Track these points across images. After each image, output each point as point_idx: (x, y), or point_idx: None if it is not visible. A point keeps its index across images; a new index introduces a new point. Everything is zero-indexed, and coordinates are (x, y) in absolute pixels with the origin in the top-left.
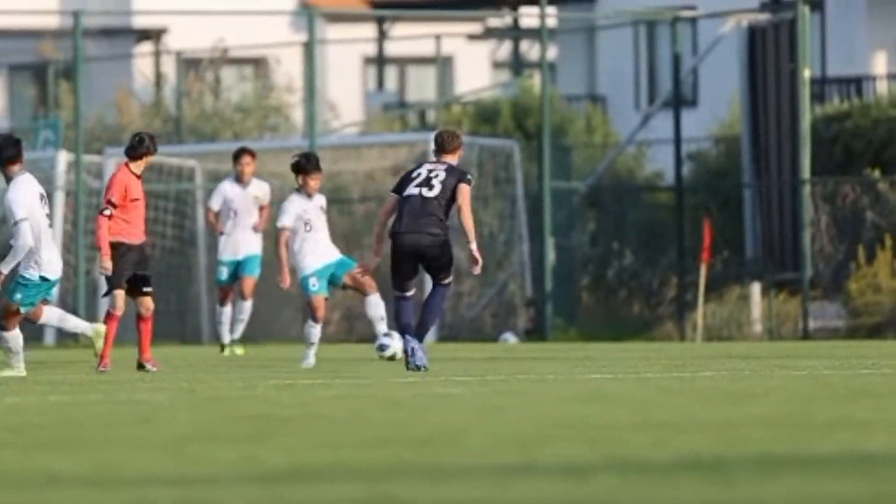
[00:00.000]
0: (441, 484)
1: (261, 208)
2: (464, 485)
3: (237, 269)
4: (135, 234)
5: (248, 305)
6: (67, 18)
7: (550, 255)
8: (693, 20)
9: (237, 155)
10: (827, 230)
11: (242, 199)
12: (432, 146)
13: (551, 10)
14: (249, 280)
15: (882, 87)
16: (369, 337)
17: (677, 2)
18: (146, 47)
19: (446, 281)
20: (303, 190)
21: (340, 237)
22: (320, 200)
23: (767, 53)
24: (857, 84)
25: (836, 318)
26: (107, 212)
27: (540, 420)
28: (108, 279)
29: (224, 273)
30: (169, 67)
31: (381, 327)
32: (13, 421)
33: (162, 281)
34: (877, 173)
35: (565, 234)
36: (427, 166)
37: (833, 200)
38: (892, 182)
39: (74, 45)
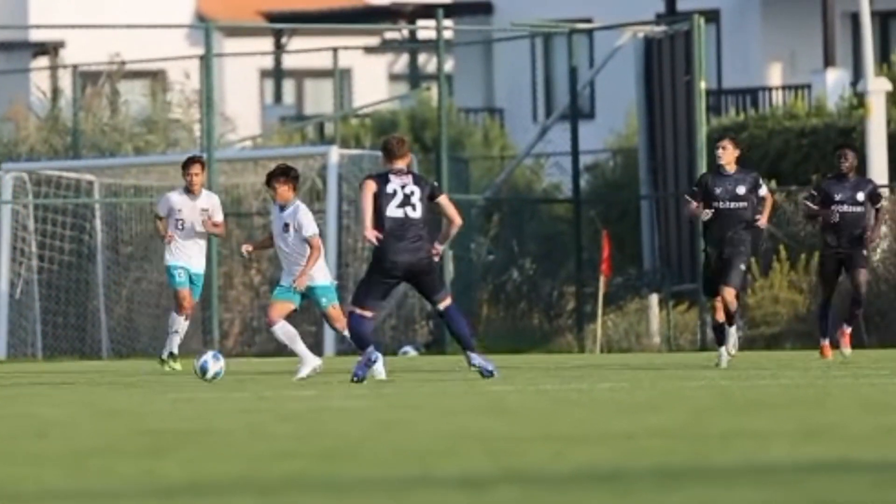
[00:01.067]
0: (341, 497)
1: (214, 224)
2: (363, 497)
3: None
4: None
5: (185, 322)
6: None
7: (449, 268)
8: (590, 32)
9: (186, 164)
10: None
11: (190, 210)
12: (380, 154)
13: (448, 22)
14: (190, 295)
15: (777, 98)
16: (269, 351)
17: (574, 14)
18: (43, 61)
19: (446, 302)
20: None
21: (237, 250)
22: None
23: (663, 65)
24: (752, 95)
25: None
26: None
27: (439, 433)
28: None
29: (182, 275)
30: (66, 81)
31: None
32: None
33: (61, 295)
34: (773, 184)
35: (464, 246)
36: (396, 182)
37: None
38: (788, 193)
39: None
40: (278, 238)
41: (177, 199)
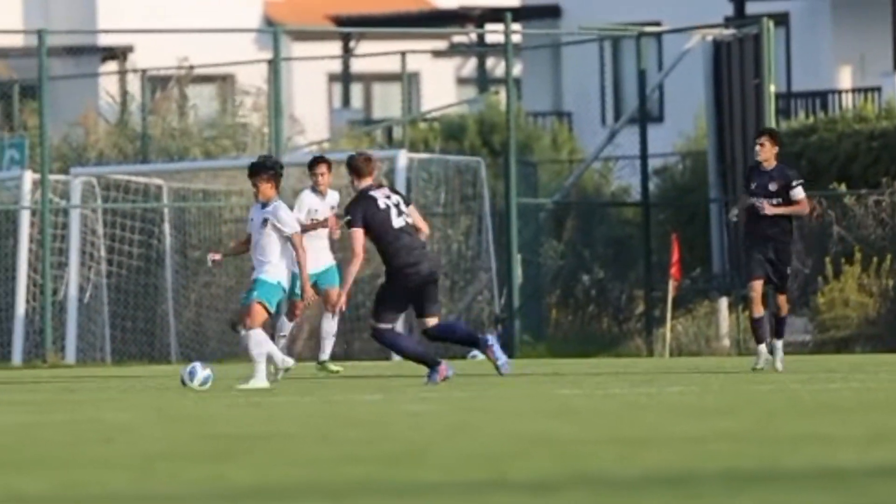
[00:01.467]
0: (409, 501)
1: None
2: (434, 501)
3: (315, 281)
4: None
5: (335, 319)
6: (32, 37)
7: (518, 272)
8: (658, 35)
9: (311, 164)
10: (793, 245)
11: (324, 209)
12: (346, 171)
13: (516, 26)
14: (334, 291)
15: (847, 101)
16: (337, 356)
17: (642, 17)
18: (111, 66)
19: (438, 318)
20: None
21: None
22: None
23: (732, 68)
24: (822, 98)
25: (804, 332)
26: None
27: (508, 436)
28: None
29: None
30: (134, 86)
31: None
32: None
33: (129, 300)
34: (843, 187)
35: (533, 250)
36: (380, 196)
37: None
38: (859, 196)
39: (39, 63)
40: (256, 233)
41: (312, 199)
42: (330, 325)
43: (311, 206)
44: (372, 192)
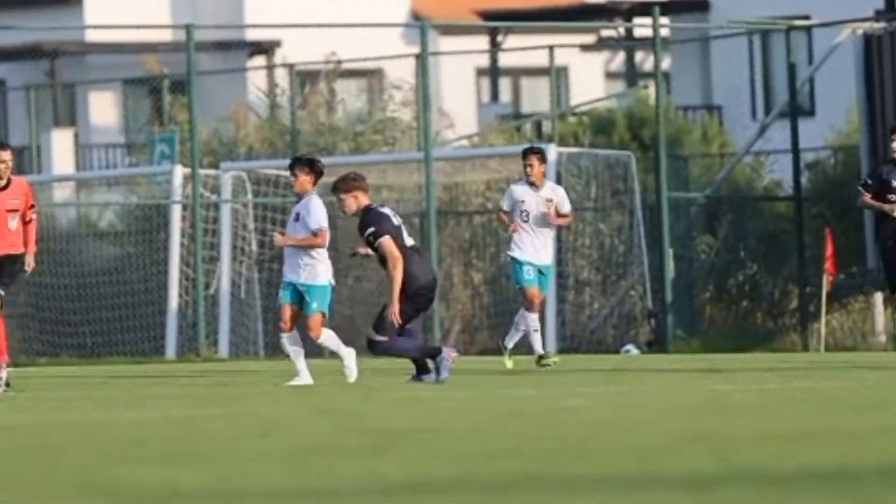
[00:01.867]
0: (565, 496)
1: (562, 215)
2: (589, 496)
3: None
4: None
5: (535, 316)
6: (180, 32)
7: (670, 267)
8: (808, 29)
9: (524, 155)
10: None
11: (535, 201)
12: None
13: (664, 19)
14: (539, 292)
15: None
16: (490, 349)
17: (791, 11)
18: (259, 61)
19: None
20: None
21: (458, 249)
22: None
23: (884, 62)
24: None
25: None
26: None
27: (663, 431)
28: None
29: (530, 272)
30: (283, 81)
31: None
32: (135, 435)
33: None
34: None
35: (684, 245)
36: (390, 211)
37: None
38: None
39: (188, 58)
40: (289, 227)
41: (520, 190)
42: (530, 320)
43: (518, 197)
44: (381, 209)
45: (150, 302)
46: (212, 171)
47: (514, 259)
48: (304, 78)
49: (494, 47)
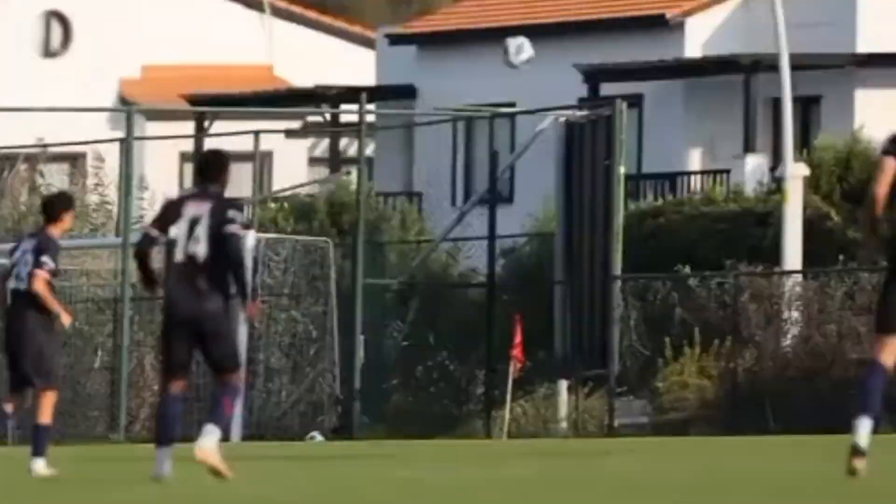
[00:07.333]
0: None
1: None
2: None
3: None
4: None
5: None
6: None
7: (360, 353)
8: (512, 116)
9: None
10: (636, 326)
11: None
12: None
13: (370, 106)
14: None
15: (696, 183)
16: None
17: (498, 99)
18: None
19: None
20: None
21: (152, 336)
22: None
23: (584, 149)
24: (671, 180)
25: (642, 414)
26: None
27: None
28: None
29: None
30: None
31: None
32: None
33: None
34: (687, 269)
35: (377, 331)
36: None
37: (644, 297)
38: (703, 278)
39: None
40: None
41: None
42: None
43: None
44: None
45: None
46: None
47: None
48: (4, 162)
49: (200, 132)
